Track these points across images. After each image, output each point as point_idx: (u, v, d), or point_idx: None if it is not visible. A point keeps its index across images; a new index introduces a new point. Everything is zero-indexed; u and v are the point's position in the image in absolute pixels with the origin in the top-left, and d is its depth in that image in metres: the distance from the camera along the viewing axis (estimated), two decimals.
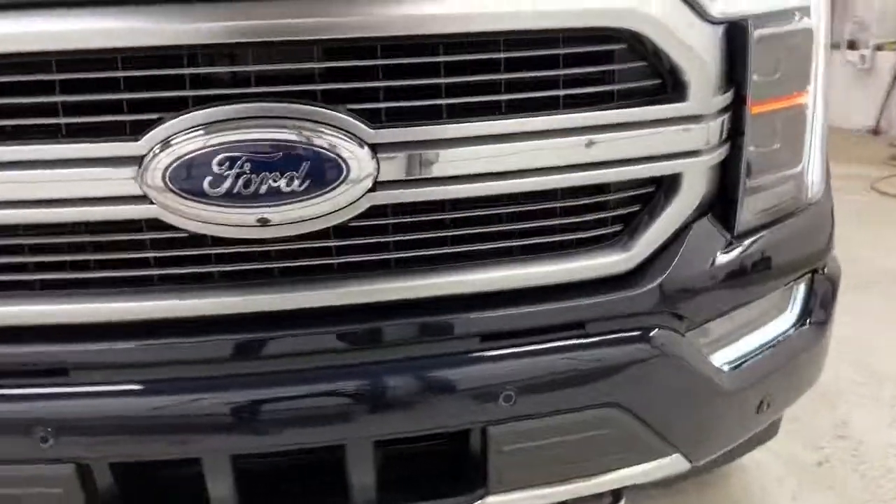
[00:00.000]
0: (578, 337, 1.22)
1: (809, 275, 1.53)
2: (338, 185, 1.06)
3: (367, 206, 1.10)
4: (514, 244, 1.20)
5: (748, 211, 1.37)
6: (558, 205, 1.20)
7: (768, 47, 1.31)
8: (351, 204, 1.08)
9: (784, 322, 1.50)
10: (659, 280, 1.25)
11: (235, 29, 1.02)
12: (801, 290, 1.53)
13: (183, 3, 1.02)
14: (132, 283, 1.13)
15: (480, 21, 1.08)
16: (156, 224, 1.08)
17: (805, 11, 1.39)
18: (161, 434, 1.12)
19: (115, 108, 1.05)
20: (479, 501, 1.25)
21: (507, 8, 1.08)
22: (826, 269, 1.57)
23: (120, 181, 1.05)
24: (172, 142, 1.03)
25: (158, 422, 1.12)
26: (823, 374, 1.63)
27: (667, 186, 1.24)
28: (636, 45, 1.15)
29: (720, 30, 1.24)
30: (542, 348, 1.20)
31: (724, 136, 1.29)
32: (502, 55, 1.10)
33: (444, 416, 1.18)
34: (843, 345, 2.09)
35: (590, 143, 1.16)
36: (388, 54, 1.07)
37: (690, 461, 1.37)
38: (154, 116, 1.04)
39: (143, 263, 1.12)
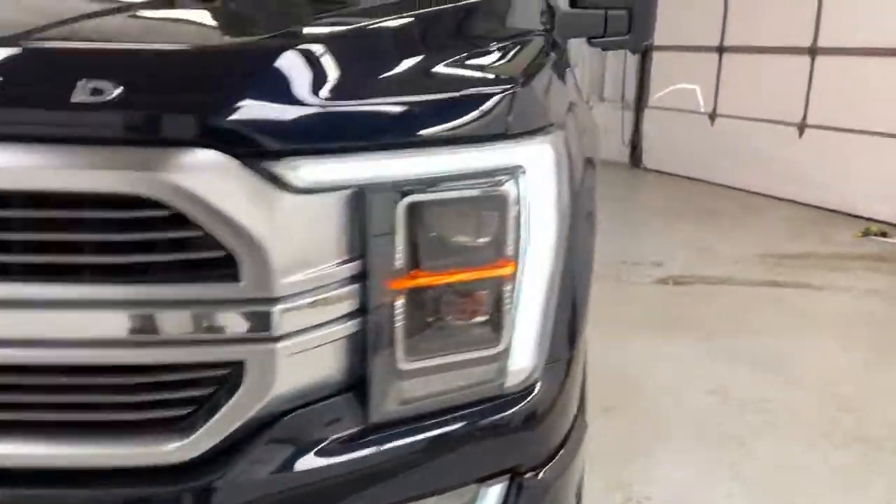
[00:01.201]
0: None
1: (506, 477, 1.29)
2: None
3: None
4: (43, 418, 1.06)
5: (393, 398, 1.17)
6: (100, 380, 1.05)
7: (420, 216, 1.12)
8: None
9: None
10: (224, 478, 1.07)
11: None
12: (490, 494, 1.29)
13: None
14: None
15: None
16: None
17: (509, 173, 1.19)
18: None
19: None
20: None
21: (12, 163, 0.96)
22: (540, 474, 1.32)
23: None
24: None
25: None
26: None
27: (235, 373, 1.07)
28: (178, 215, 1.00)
29: (327, 198, 1.07)
30: None
31: (347, 313, 1.11)
32: (10, 213, 0.99)
33: None
34: None
35: (129, 318, 1.01)
36: None
37: None
38: None
39: None
